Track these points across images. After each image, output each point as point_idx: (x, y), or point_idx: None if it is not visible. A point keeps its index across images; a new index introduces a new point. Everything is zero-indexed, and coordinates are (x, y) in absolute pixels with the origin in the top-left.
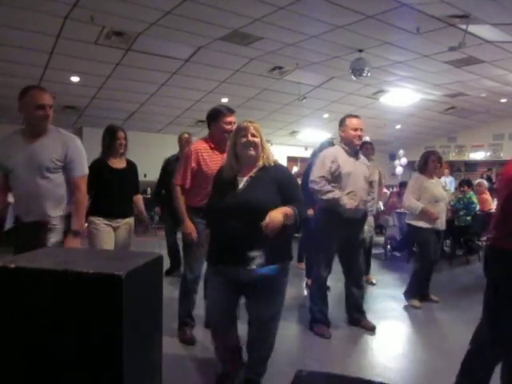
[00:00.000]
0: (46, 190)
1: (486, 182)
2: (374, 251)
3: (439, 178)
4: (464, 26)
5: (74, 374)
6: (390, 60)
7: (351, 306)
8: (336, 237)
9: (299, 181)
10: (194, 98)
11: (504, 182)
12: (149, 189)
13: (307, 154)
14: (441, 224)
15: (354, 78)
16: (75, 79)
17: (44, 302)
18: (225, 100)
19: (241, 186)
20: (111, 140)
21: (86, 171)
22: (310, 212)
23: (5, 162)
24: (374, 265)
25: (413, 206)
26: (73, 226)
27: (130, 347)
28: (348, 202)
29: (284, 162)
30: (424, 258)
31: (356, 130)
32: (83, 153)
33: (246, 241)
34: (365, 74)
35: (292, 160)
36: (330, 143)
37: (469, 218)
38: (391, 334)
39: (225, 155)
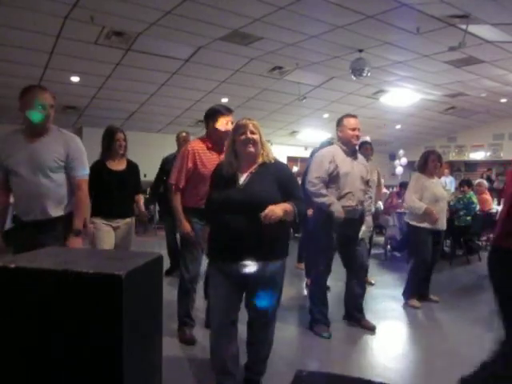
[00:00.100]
0: (47, 189)
1: (485, 182)
2: (374, 251)
3: (439, 177)
4: (464, 26)
5: (74, 374)
6: (390, 60)
7: (351, 304)
8: (334, 236)
9: (299, 180)
10: (194, 98)
11: (510, 181)
12: (149, 189)
13: (307, 153)
14: (441, 224)
15: (354, 78)
16: (75, 79)
17: (44, 302)
18: (225, 100)
19: (242, 181)
20: (110, 141)
21: (87, 171)
22: (310, 212)
23: (6, 162)
24: (374, 265)
25: (416, 206)
26: (74, 225)
27: (130, 347)
28: (338, 211)
29: (284, 162)
30: (417, 257)
31: (354, 129)
32: (84, 152)
33: (249, 235)
34: (365, 74)
35: (292, 160)
36: (330, 143)
37: (469, 218)
38: (391, 334)
39: (222, 156)
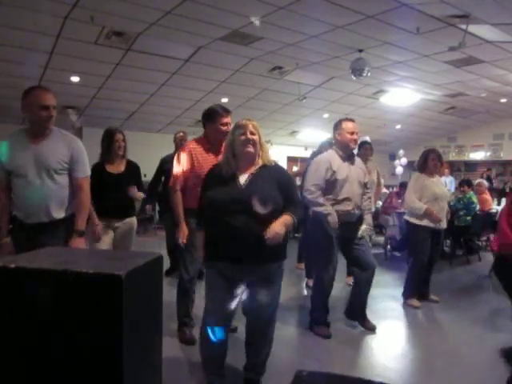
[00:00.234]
0: (51, 191)
1: (485, 182)
2: (374, 251)
3: (440, 176)
4: (464, 26)
5: (74, 374)
6: (390, 60)
7: (357, 304)
8: (333, 238)
9: (299, 180)
10: (194, 98)
11: None
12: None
13: (307, 154)
14: (440, 223)
15: (354, 78)
16: (75, 79)
17: (44, 302)
18: (225, 100)
19: (243, 181)
20: (110, 143)
21: (89, 172)
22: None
23: (9, 163)
24: None
25: (416, 207)
26: (77, 226)
27: (130, 347)
28: (332, 222)
29: (284, 162)
30: (416, 256)
31: (352, 133)
32: (85, 154)
33: (249, 237)
34: (365, 74)
35: (292, 160)
36: (330, 143)
37: (469, 218)
38: (391, 334)
39: (219, 157)
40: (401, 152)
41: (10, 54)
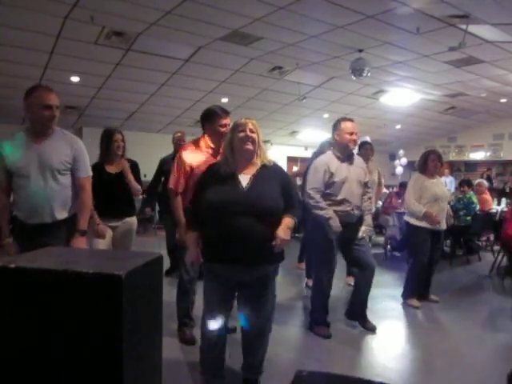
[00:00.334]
0: (54, 191)
1: (485, 182)
2: (374, 251)
3: (440, 177)
4: (464, 26)
5: (74, 374)
6: (390, 60)
7: (357, 304)
8: (333, 239)
9: (299, 180)
10: (194, 98)
11: None
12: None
13: (307, 153)
14: (440, 224)
15: (354, 78)
16: (75, 79)
17: (44, 302)
18: (225, 100)
19: (245, 183)
20: (108, 143)
21: (91, 172)
22: None
23: (11, 164)
24: None
25: (416, 210)
26: (79, 225)
27: (130, 347)
28: (336, 226)
29: (284, 162)
30: (416, 257)
31: (351, 134)
32: (86, 153)
33: (251, 239)
34: (365, 74)
35: (292, 160)
36: (330, 143)
37: (469, 218)
38: (391, 334)
39: (218, 158)
40: (401, 152)
41: (9, 53)
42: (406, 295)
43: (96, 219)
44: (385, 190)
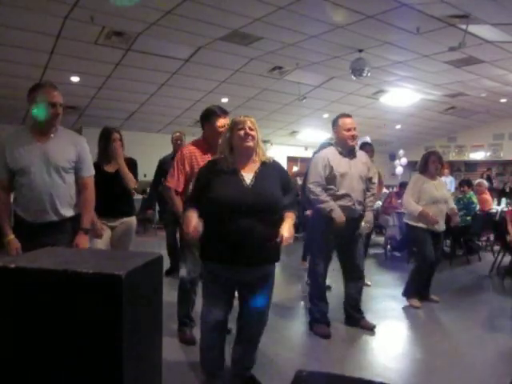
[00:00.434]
0: (60, 189)
1: (485, 182)
2: (374, 251)
3: (440, 177)
4: (464, 26)
5: (74, 374)
6: (390, 60)
7: (348, 304)
8: (333, 234)
9: (300, 180)
10: (194, 98)
11: None
12: (148, 189)
13: (307, 153)
14: (439, 226)
15: (354, 78)
16: (75, 79)
17: (44, 302)
18: (225, 100)
19: (248, 180)
20: (107, 142)
21: (93, 171)
22: (309, 213)
23: (14, 162)
24: (374, 265)
25: (412, 209)
26: (83, 224)
27: (130, 347)
28: (339, 216)
29: (284, 162)
30: (420, 257)
31: (349, 130)
32: (89, 152)
33: (254, 238)
34: (365, 74)
35: (292, 160)
36: (330, 143)
37: (469, 218)
38: (391, 334)
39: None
40: (401, 152)
41: (9, 53)
42: (408, 294)
43: (94, 218)
44: (385, 190)
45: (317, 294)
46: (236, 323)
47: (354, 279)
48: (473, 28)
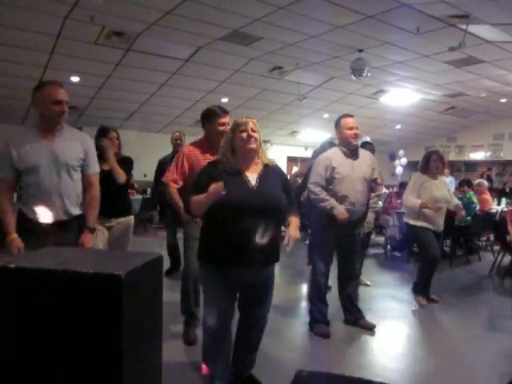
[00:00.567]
0: (69, 188)
1: (486, 182)
2: (374, 251)
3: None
4: (464, 26)
5: (74, 374)
6: (390, 60)
7: (345, 299)
8: (333, 235)
9: (299, 180)
10: (194, 98)
11: None
12: (149, 189)
13: (307, 154)
14: (437, 226)
15: (354, 78)
16: (75, 79)
17: (44, 302)
18: (225, 100)
19: (253, 182)
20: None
21: (98, 168)
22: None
23: (21, 161)
24: (374, 265)
25: (411, 204)
26: (88, 222)
27: (130, 347)
28: (340, 213)
29: (284, 162)
30: (427, 254)
31: (351, 128)
32: (94, 150)
33: (260, 239)
34: (365, 74)
35: (292, 160)
36: (331, 143)
37: (469, 218)
38: (391, 333)
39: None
40: (401, 152)
41: (10, 53)
42: (417, 291)
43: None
44: (385, 190)
45: (316, 294)
46: (236, 325)
47: (350, 278)
48: (473, 28)
